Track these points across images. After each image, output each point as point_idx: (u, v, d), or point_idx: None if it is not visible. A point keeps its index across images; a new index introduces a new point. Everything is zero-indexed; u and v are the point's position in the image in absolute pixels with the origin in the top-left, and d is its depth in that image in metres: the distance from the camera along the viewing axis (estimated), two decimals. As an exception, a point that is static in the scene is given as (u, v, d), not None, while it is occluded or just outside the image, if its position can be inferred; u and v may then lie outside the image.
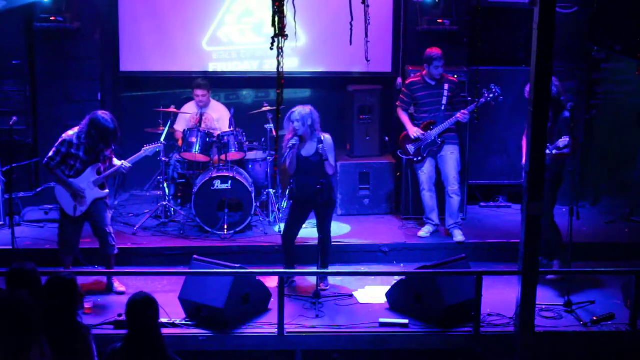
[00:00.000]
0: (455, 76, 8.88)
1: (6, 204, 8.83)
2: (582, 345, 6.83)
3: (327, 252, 7.73)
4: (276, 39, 5.49)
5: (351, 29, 6.25)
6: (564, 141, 7.46)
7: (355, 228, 9.11)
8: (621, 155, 9.91)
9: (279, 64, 5.55)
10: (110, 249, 7.55)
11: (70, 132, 7.43)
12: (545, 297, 7.37)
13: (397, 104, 8.89)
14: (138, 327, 4.71)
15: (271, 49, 5.53)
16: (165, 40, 10.01)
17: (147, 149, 7.95)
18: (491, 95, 8.43)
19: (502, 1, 9.45)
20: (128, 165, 7.67)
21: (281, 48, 5.54)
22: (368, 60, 6.66)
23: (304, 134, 7.62)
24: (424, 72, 8.66)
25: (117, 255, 7.64)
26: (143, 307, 4.75)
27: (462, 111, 8.50)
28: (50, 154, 7.44)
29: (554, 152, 7.48)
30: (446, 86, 8.61)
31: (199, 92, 9.47)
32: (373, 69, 9.50)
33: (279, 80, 5.60)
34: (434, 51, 8.58)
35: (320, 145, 7.59)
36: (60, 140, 7.42)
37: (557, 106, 7.50)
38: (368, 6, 6.35)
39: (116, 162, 7.65)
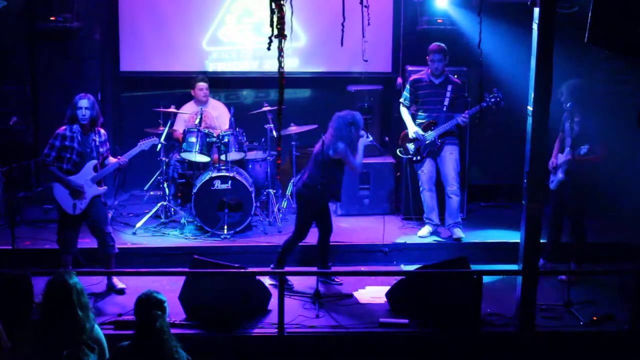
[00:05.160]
0: (456, 75, 8.88)
1: (6, 204, 8.84)
2: (582, 345, 6.83)
3: (329, 251, 7.83)
4: (274, 39, 5.49)
5: (342, 30, 6.27)
6: (584, 148, 7.55)
7: (356, 228, 9.12)
8: (621, 155, 9.89)
9: (280, 64, 5.55)
10: (109, 249, 7.55)
11: (62, 127, 7.48)
12: (545, 297, 7.38)
13: (400, 100, 8.90)
14: (143, 325, 4.74)
15: (268, 49, 5.53)
16: (165, 40, 10.02)
17: (143, 144, 7.95)
18: (493, 100, 8.42)
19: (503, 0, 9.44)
20: (124, 160, 7.69)
21: (282, 49, 5.54)
22: (365, 61, 6.68)
23: None
24: (429, 71, 8.67)
25: (117, 255, 7.65)
26: (147, 305, 4.77)
27: (463, 115, 8.50)
28: (45, 150, 7.47)
29: (576, 157, 7.56)
30: (449, 87, 8.62)
31: (202, 85, 9.49)
32: (373, 69, 9.53)
33: (280, 81, 5.60)
34: (432, 45, 8.65)
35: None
36: (53, 135, 7.47)
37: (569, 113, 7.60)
38: (367, 6, 6.36)
39: (112, 159, 7.67)
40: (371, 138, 7.89)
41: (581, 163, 7.67)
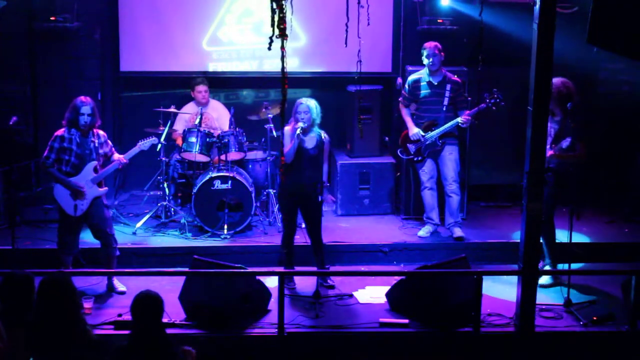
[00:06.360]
0: (455, 75, 8.87)
1: (6, 204, 8.83)
2: (582, 345, 6.83)
3: (323, 253, 7.79)
4: (274, 39, 5.49)
5: (347, 30, 6.27)
6: (566, 142, 7.49)
7: (356, 228, 9.11)
8: (621, 155, 9.90)
9: (283, 64, 5.56)
10: (112, 251, 7.56)
11: (61, 130, 7.48)
12: (545, 297, 7.38)
13: (400, 99, 8.89)
14: (140, 325, 4.75)
15: (269, 49, 5.54)
16: (165, 40, 10.01)
17: (142, 144, 7.95)
18: (492, 100, 8.41)
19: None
20: (124, 160, 7.69)
21: (284, 49, 5.55)
22: (359, 61, 6.69)
23: (307, 125, 7.64)
24: (427, 70, 8.66)
25: (117, 256, 7.64)
26: (144, 305, 4.78)
27: (464, 117, 8.46)
28: (45, 153, 7.47)
29: (556, 152, 7.52)
30: (448, 87, 8.61)
31: (201, 87, 9.47)
32: (373, 69, 9.51)
33: (283, 81, 5.61)
34: (425, 44, 8.62)
35: (325, 137, 7.67)
36: (52, 137, 7.47)
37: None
38: (362, 7, 6.37)
39: (117, 156, 7.66)
40: (299, 131, 7.56)
41: (559, 160, 7.61)
